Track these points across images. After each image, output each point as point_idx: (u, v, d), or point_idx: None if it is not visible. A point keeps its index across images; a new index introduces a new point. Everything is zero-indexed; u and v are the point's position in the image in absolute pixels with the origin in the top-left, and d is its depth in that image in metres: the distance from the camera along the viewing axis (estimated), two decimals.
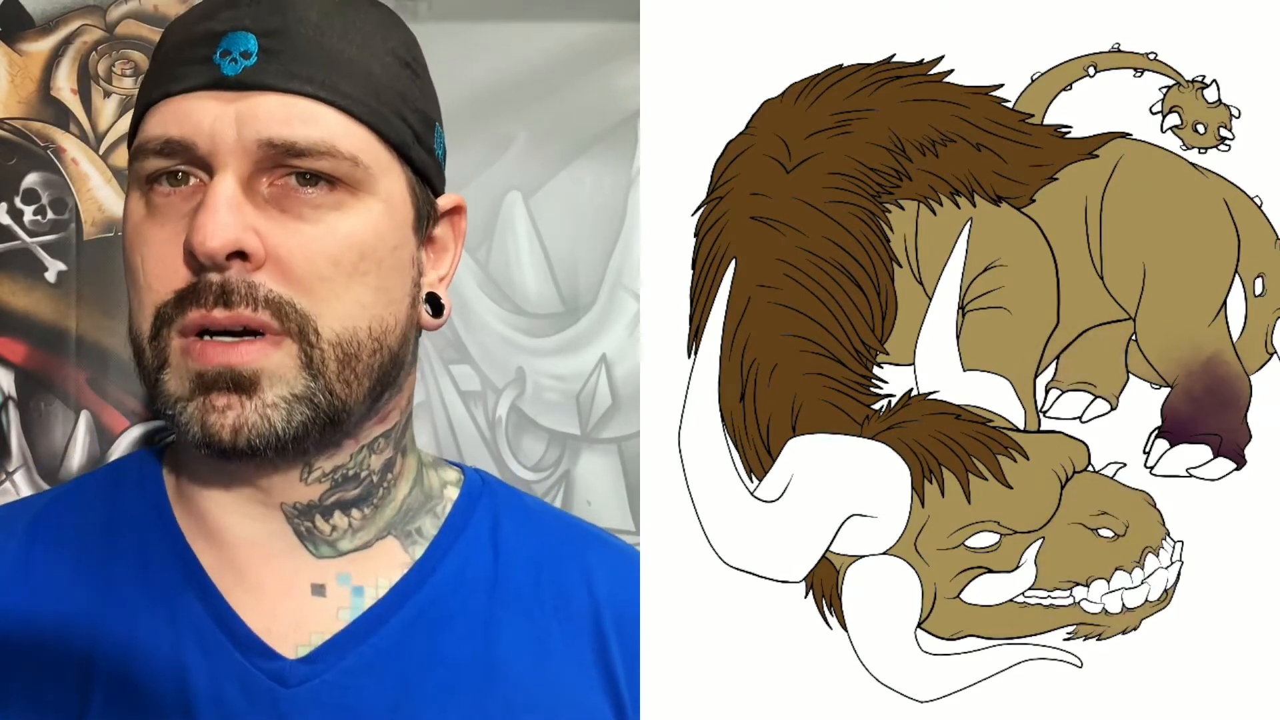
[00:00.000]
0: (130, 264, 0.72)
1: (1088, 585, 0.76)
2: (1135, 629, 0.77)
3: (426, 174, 0.77)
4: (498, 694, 0.75)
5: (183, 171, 0.71)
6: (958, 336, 0.77)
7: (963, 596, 0.77)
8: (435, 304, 0.78)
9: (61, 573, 0.75)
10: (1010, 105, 0.79)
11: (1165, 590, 0.77)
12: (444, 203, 0.79)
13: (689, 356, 0.79)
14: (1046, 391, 0.79)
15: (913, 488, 0.75)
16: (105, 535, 0.77)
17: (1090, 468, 0.77)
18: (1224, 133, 0.79)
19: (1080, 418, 0.79)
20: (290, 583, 0.75)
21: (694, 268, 0.79)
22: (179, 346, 0.70)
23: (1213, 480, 0.78)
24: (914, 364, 0.77)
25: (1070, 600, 0.77)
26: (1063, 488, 0.76)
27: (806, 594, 0.78)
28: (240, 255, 0.69)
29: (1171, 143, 0.79)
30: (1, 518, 0.81)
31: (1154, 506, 0.77)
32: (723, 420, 0.78)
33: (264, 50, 0.70)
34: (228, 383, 0.69)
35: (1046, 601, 0.77)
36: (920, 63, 0.79)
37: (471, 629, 0.76)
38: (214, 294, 0.69)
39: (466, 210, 0.81)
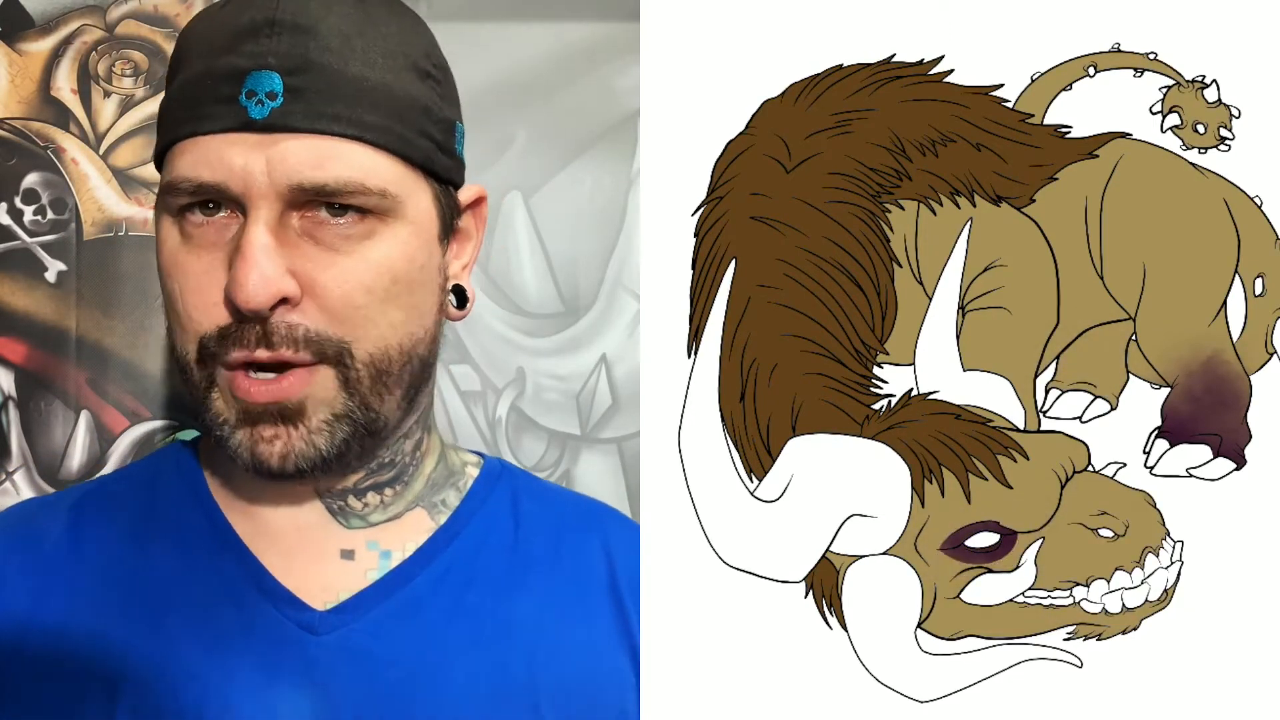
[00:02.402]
0: (168, 291, 0.74)
1: (1088, 585, 0.76)
2: (1135, 629, 0.77)
3: (449, 176, 0.78)
4: (520, 647, 0.78)
5: (214, 203, 0.72)
6: (958, 336, 0.77)
7: (963, 596, 0.77)
8: (460, 294, 0.81)
9: (105, 549, 0.78)
10: (1010, 105, 0.79)
11: (1165, 590, 0.77)
12: (465, 196, 0.81)
13: (689, 356, 0.79)
14: (1046, 391, 0.79)
15: (913, 488, 0.75)
16: (145, 513, 0.81)
17: (1090, 468, 0.77)
18: (1224, 133, 0.79)
19: (1080, 418, 0.79)
20: (321, 550, 0.79)
21: (694, 268, 0.79)
22: (226, 377, 0.73)
23: (1213, 480, 0.78)
24: (914, 364, 0.78)
25: (1070, 600, 0.77)
26: (1063, 488, 0.76)
27: (806, 594, 0.78)
28: (281, 300, 0.71)
29: (1171, 143, 0.79)
30: (46, 504, 0.85)
31: (1154, 506, 0.77)
32: (723, 420, 0.78)
33: (289, 90, 0.71)
34: (274, 416, 0.73)
35: (1046, 601, 0.77)
36: (920, 63, 0.79)
37: (495, 587, 0.80)
38: (256, 337, 0.71)
39: (488, 198, 0.83)
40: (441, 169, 0.77)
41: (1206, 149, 0.79)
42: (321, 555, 0.79)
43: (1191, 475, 0.78)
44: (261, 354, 0.71)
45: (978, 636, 0.77)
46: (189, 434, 1.09)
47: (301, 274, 0.71)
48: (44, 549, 0.78)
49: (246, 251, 0.70)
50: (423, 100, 0.75)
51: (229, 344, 0.72)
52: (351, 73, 0.72)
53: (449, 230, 0.79)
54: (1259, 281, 0.80)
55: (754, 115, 0.79)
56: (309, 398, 0.73)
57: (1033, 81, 0.79)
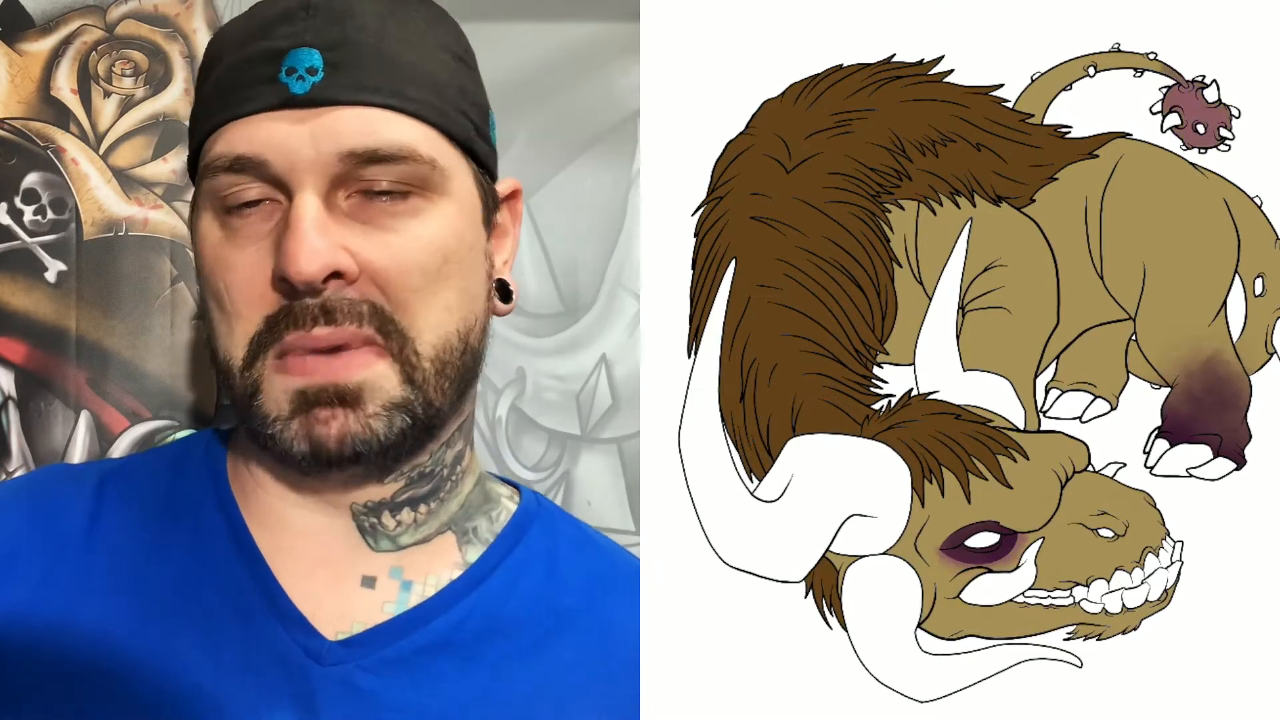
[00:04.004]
0: (213, 288, 0.72)
1: (1088, 585, 0.76)
2: (1135, 629, 0.77)
3: (487, 164, 0.77)
4: (536, 710, 0.74)
5: (256, 196, 0.70)
6: (958, 336, 0.77)
7: (963, 596, 0.77)
8: (504, 290, 0.79)
9: (120, 537, 0.76)
10: (1010, 105, 0.79)
11: (1165, 590, 0.77)
12: (503, 188, 0.80)
13: (689, 356, 0.79)
14: (1046, 391, 0.79)
15: (913, 488, 0.75)
16: (165, 505, 0.78)
17: (1090, 468, 0.77)
18: (1224, 133, 0.79)
19: (1080, 418, 0.79)
20: (343, 573, 0.76)
21: (694, 268, 0.79)
22: (273, 367, 0.70)
23: (1213, 480, 0.78)
24: (914, 364, 0.78)
25: (1070, 600, 0.77)
26: (1063, 488, 0.76)
27: (806, 594, 0.78)
28: (335, 275, 0.69)
29: (1171, 143, 0.79)
30: (75, 472, 0.82)
31: (1154, 506, 0.77)
32: (723, 420, 0.78)
33: (329, 65, 0.70)
34: (331, 397, 0.70)
35: (1046, 601, 0.77)
36: (920, 63, 0.79)
37: (518, 642, 0.76)
38: (312, 315, 0.69)
39: (523, 192, 0.82)
40: (481, 153, 0.76)
41: (1206, 149, 0.79)
42: (342, 579, 0.75)
43: (1191, 475, 0.78)
44: (320, 331, 0.69)
45: (978, 636, 0.77)
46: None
47: (356, 252, 0.69)
48: (61, 528, 0.76)
49: (295, 224, 0.68)
50: (459, 81, 0.75)
51: (280, 328, 0.69)
52: (388, 50, 0.71)
53: (490, 218, 0.78)
54: (1259, 281, 0.80)
55: (754, 115, 0.79)
56: (366, 384, 0.70)
57: (1033, 81, 0.79)
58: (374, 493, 0.76)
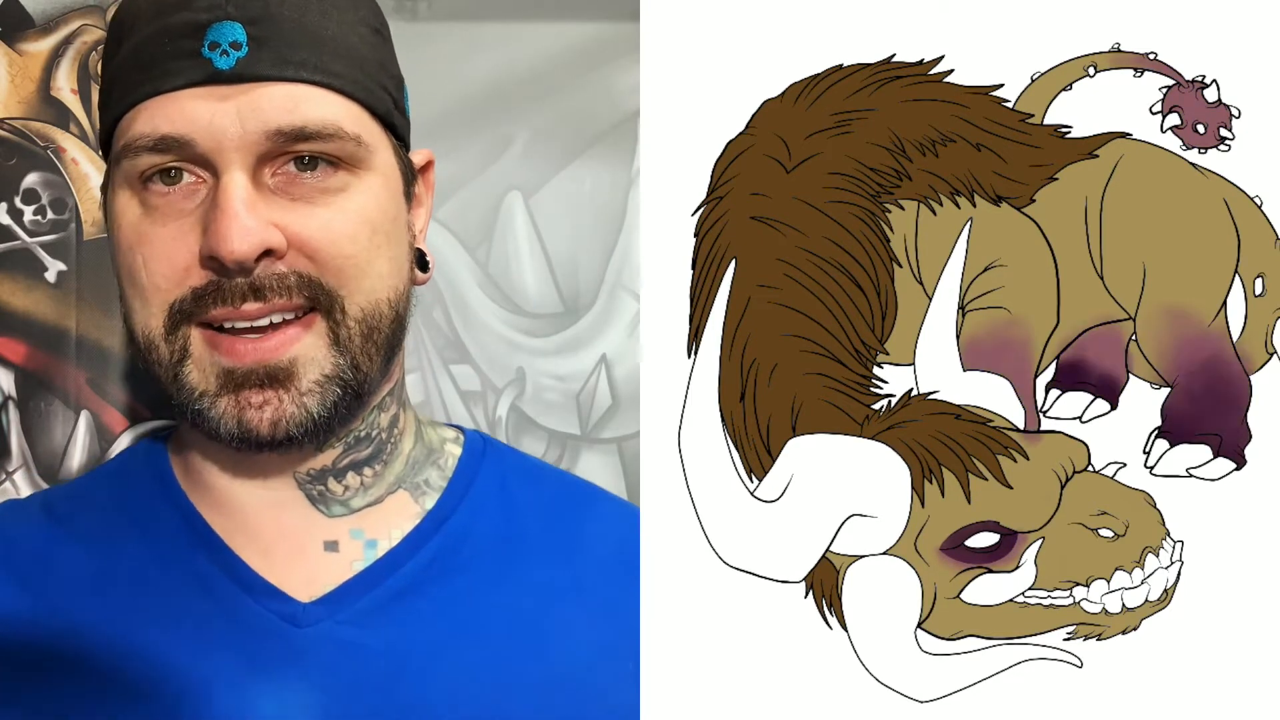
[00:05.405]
0: (128, 264, 0.71)
1: (1088, 585, 0.76)
2: (1135, 629, 0.77)
3: (403, 136, 0.78)
4: (513, 634, 0.76)
5: (176, 169, 0.70)
6: (958, 336, 0.77)
7: (963, 596, 0.77)
8: (421, 258, 0.80)
9: (76, 550, 0.76)
10: (1010, 105, 0.79)
11: (1165, 590, 0.77)
12: (418, 159, 0.80)
13: (689, 356, 0.79)
14: (1046, 391, 0.79)
15: (913, 488, 0.75)
16: (116, 511, 0.78)
17: (1090, 468, 0.77)
18: (1224, 133, 0.79)
19: (1080, 418, 0.79)
20: (303, 542, 0.76)
21: (694, 268, 0.79)
22: (202, 338, 0.71)
23: (1213, 480, 0.78)
24: (914, 364, 0.78)
25: (1070, 600, 0.77)
26: (1063, 488, 0.76)
27: (806, 594, 0.78)
28: (266, 253, 0.69)
29: (1171, 143, 0.79)
30: (19, 506, 0.83)
31: (1154, 506, 0.77)
32: (723, 420, 0.78)
33: (253, 39, 0.69)
34: (261, 378, 0.70)
35: (1046, 601, 0.77)
36: (920, 63, 0.79)
37: (487, 573, 0.78)
38: (241, 293, 0.69)
39: (435, 162, 0.82)
40: (399, 126, 0.77)
41: (1206, 149, 0.79)
42: (303, 548, 0.76)
43: (1191, 475, 0.78)
44: (250, 307, 0.69)
45: (978, 636, 0.77)
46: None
47: (284, 227, 0.69)
48: (16, 560, 0.76)
49: (225, 204, 0.68)
50: (378, 55, 0.75)
51: (208, 302, 0.69)
52: (310, 24, 0.71)
53: (410, 190, 0.78)
54: (1259, 281, 0.80)
55: (754, 115, 0.79)
56: (298, 358, 0.70)
57: (1033, 81, 0.79)
58: (315, 461, 0.76)
